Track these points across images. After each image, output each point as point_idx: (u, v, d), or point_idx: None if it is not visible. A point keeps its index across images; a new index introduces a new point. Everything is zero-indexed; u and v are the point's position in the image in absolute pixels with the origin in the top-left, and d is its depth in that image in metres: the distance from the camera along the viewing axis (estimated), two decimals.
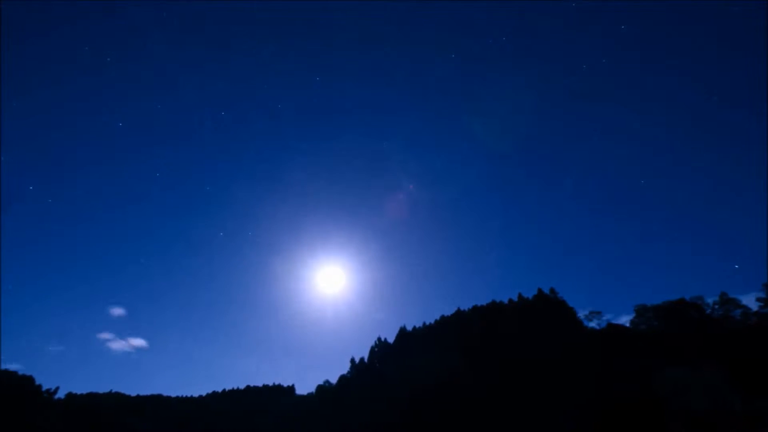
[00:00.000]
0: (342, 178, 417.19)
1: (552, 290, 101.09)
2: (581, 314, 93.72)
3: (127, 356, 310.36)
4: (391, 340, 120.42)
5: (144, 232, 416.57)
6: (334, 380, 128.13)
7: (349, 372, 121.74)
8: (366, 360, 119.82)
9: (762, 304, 67.62)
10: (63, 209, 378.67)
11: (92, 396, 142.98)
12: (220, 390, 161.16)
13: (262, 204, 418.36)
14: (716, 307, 74.95)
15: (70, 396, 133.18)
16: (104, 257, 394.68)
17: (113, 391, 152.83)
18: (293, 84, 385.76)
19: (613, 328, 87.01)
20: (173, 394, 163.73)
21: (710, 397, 44.18)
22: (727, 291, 73.57)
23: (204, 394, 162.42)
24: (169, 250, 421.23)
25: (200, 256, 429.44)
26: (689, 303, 76.20)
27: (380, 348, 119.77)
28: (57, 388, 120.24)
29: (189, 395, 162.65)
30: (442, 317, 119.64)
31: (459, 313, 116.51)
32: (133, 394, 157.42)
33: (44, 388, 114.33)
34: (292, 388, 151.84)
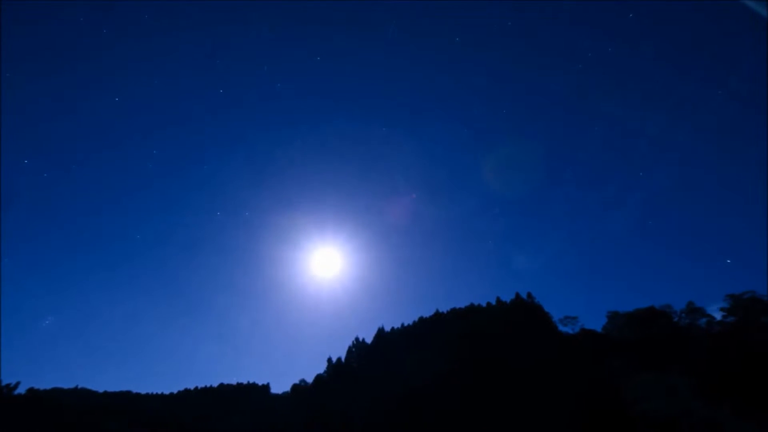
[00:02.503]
0: (337, 166, 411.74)
1: (529, 295, 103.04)
2: (556, 319, 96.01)
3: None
4: (369, 340, 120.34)
5: (139, 211, 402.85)
6: (310, 379, 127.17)
7: (325, 371, 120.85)
8: (343, 360, 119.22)
9: (725, 314, 70.65)
10: (58, 185, 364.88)
11: (56, 392, 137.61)
12: (192, 387, 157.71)
13: (258, 186, 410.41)
14: (683, 315, 77.96)
15: (32, 392, 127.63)
16: (98, 234, 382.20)
17: (79, 387, 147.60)
18: (293, 63, 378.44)
19: (586, 333, 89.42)
20: (143, 391, 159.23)
21: (675, 402, 45.90)
22: (720, 294, 75.28)
23: (176, 391, 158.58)
24: (164, 230, 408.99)
25: (197, 241, 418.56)
26: (658, 311, 78.96)
27: (358, 348, 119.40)
28: (18, 383, 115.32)
29: (160, 392, 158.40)
30: (421, 318, 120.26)
31: (438, 315, 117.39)
32: (101, 390, 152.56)
33: (4, 383, 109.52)
34: (266, 387, 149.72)
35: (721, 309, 71.24)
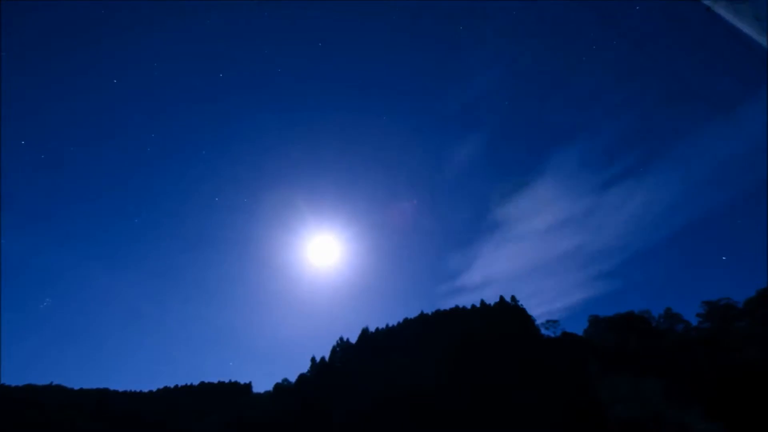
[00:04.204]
0: (336, 157, 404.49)
1: (513, 298, 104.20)
2: (539, 322, 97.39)
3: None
4: (353, 340, 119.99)
5: (136, 196, 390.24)
6: (293, 379, 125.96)
7: (309, 371, 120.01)
8: (327, 359, 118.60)
9: (701, 319, 72.66)
10: (54, 168, 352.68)
11: (29, 389, 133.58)
12: (172, 385, 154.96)
13: (257, 173, 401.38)
14: (661, 321, 79.87)
15: (3, 388, 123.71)
16: (93, 216, 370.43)
17: (53, 383, 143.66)
18: (294, 48, 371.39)
19: (567, 337, 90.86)
20: (120, 389, 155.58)
21: (647, 406, 46.98)
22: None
23: (154, 389, 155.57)
24: (159, 216, 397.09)
25: (192, 230, 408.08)
26: (637, 316, 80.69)
27: (342, 348, 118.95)
28: None
29: (138, 390, 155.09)
30: (405, 320, 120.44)
31: (422, 317, 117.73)
32: (77, 387, 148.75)
33: None
34: (248, 386, 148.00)
35: (698, 315, 73.31)
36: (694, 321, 74.65)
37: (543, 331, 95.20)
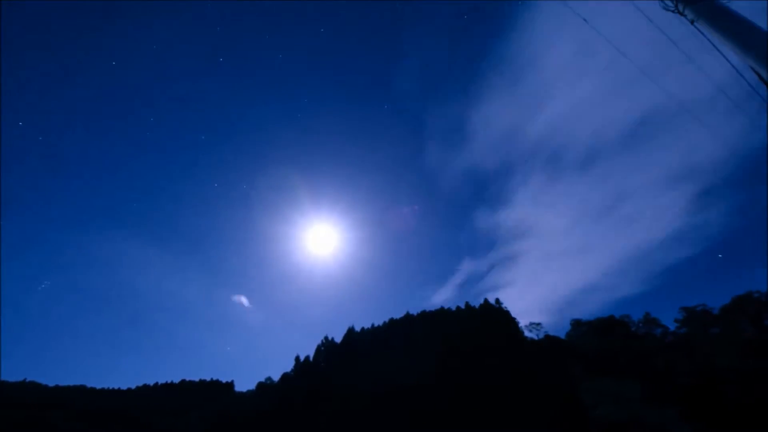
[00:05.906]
0: (334, 150, 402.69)
1: (497, 301, 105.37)
2: (522, 325, 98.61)
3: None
4: (338, 339, 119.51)
5: (133, 181, 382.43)
6: (276, 378, 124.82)
7: (293, 370, 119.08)
8: (311, 359, 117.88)
9: (678, 324, 74.73)
10: (52, 155, 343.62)
11: (2, 385, 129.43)
12: (152, 383, 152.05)
13: (257, 161, 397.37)
14: (640, 325, 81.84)
15: None
16: (91, 206, 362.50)
17: (28, 380, 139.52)
18: (296, 35, 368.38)
19: (549, 340, 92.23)
20: (98, 386, 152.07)
21: (626, 408, 48.10)
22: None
23: (134, 386, 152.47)
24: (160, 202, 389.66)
25: (187, 222, 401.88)
26: (617, 320, 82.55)
27: (327, 347, 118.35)
28: None
29: (117, 387, 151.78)
30: (391, 320, 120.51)
31: (408, 317, 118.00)
32: (52, 384, 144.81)
33: None
34: (230, 385, 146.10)
35: (675, 320, 75.38)
36: (671, 326, 76.93)
37: (526, 333, 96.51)
